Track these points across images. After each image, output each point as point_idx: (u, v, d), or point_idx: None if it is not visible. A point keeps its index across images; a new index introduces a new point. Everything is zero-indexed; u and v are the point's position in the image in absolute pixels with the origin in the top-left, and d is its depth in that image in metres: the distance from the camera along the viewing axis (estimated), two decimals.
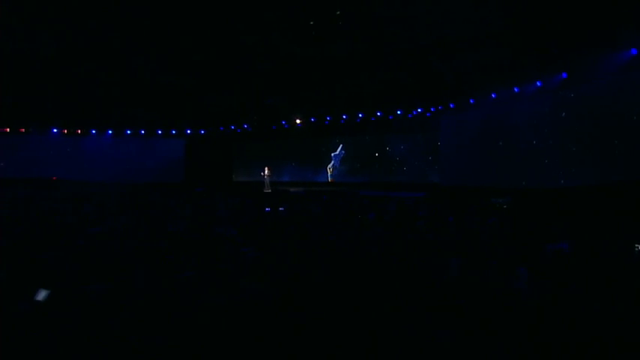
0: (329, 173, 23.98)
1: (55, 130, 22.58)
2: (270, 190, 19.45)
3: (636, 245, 7.28)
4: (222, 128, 24.78)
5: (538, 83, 13.67)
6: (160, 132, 24.82)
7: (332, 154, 23.87)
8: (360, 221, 8.44)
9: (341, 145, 23.74)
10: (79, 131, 23.58)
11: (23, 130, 22.65)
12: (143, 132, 24.51)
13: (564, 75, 12.65)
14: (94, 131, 23.78)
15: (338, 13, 11.66)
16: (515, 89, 14.53)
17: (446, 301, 3.63)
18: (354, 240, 5.85)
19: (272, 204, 11.74)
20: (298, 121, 22.96)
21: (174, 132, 25.05)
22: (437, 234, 6.23)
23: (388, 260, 5.17)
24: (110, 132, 24.01)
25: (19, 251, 5.66)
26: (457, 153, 17.99)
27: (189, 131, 25.11)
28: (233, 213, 10.27)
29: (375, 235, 5.96)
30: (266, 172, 20.48)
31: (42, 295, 4.30)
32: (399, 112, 20.18)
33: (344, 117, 21.97)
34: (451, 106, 17.64)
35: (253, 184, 23.32)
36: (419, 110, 19.40)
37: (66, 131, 22.94)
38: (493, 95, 15.50)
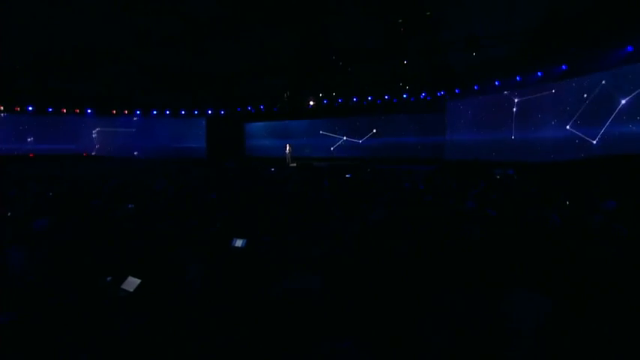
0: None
1: (89, 111, 22.64)
2: (294, 164, 20.39)
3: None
4: (239, 109, 25.26)
5: (539, 74, 14.98)
6: (183, 112, 25.18)
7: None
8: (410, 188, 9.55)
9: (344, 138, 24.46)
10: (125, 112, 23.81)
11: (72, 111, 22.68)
12: (168, 112, 24.81)
13: (564, 67, 13.98)
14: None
15: (428, 13, 12.35)
16: (518, 78, 15.80)
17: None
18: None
19: (330, 174, 12.78)
20: (312, 103, 23.72)
21: (196, 112, 25.41)
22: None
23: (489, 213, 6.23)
24: (138, 112, 24.25)
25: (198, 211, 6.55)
26: (461, 131, 19.32)
27: (210, 111, 25.49)
28: (301, 183, 11.25)
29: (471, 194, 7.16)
30: (287, 148, 21.46)
31: (239, 242, 5.30)
32: (404, 96, 21.12)
33: (354, 99, 22.76)
34: (456, 91, 18.85)
35: (265, 159, 24.11)
36: (423, 95, 20.41)
37: (115, 112, 23.00)
38: (497, 83, 16.74)
